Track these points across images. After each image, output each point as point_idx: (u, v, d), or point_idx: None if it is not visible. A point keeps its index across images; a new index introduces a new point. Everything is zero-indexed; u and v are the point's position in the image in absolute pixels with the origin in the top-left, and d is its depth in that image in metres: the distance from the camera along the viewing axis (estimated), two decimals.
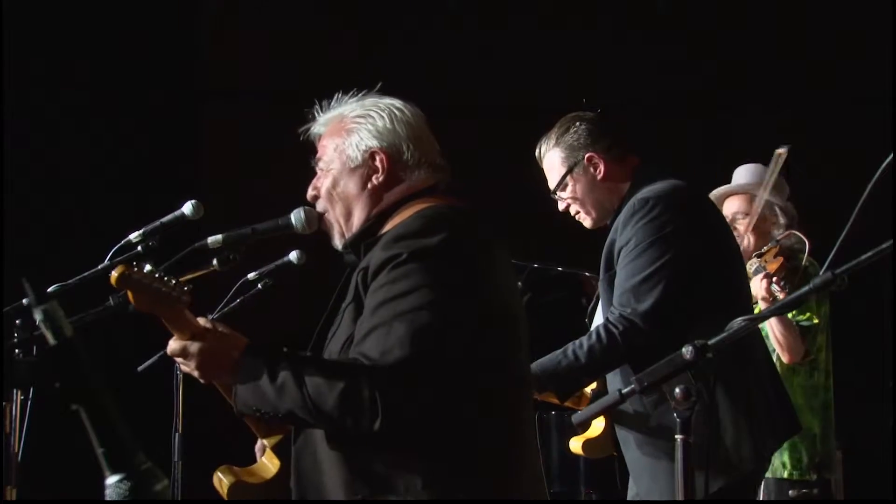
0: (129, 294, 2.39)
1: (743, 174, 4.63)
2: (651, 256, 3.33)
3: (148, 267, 2.40)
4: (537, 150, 3.70)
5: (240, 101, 6.66)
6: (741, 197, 4.55)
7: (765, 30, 6.83)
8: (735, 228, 4.39)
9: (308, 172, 2.70)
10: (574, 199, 3.61)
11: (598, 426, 3.58)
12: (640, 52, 6.78)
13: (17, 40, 5.84)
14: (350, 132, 2.58)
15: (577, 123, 3.63)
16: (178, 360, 2.45)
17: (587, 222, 3.65)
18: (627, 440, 3.47)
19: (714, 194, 4.53)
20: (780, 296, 4.10)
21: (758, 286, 4.13)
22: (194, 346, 2.41)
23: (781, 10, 6.76)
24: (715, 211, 3.72)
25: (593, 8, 6.79)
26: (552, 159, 3.64)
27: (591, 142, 3.59)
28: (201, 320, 2.46)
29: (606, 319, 3.36)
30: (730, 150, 4.97)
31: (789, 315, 4.37)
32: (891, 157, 2.61)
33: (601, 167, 3.57)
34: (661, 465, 3.33)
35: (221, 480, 2.75)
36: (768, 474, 4.31)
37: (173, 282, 2.39)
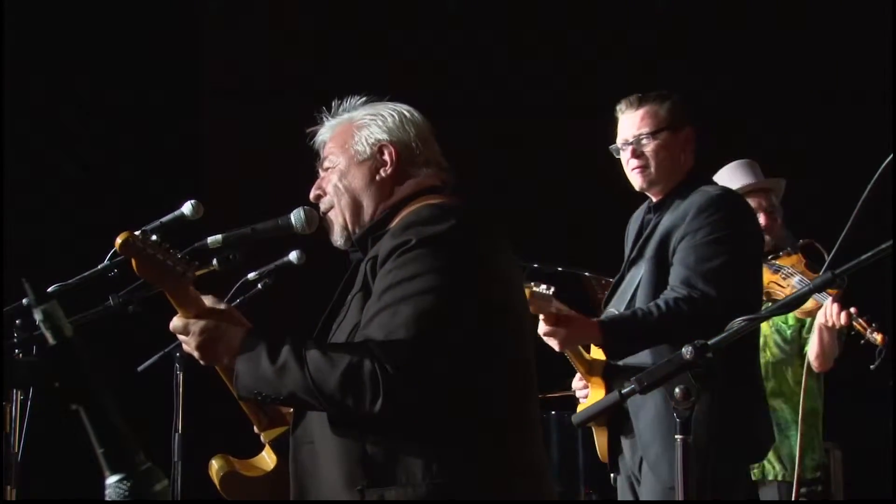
0: (133, 262, 2.37)
1: (744, 171, 4.66)
2: (723, 249, 3.45)
3: (154, 237, 2.39)
4: (631, 100, 3.72)
5: (240, 101, 6.66)
6: (762, 193, 4.63)
7: (764, 29, 6.83)
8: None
9: (308, 172, 2.70)
10: (656, 153, 3.65)
11: (598, 395, 3.61)
12: (640, 52, 6.78)
13: (18, 40, 5.84)
14: (360, 128, 2.60)
15: (680, 98, 3.74)
16: (181, 337, 2.45)
17: (641, 180, 3.68)
18: (642, 406, 3.47)
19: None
20: (859, 325, 4.17)
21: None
22: (197, 325, 2.41)
23: (781, 9, 6.76)
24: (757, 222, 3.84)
25: (593, 8, 6.79)
26: (656, 110, 3.68)
27: (691, 119, 3.72)
28: (207, 300, 2.47)
29: (675, 296, 3.41)
30: (730, 150, 4.96)
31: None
32: (891, 157, 2.61)
33: (691, 145, 3.70)
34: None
35: (215, 469, 2.74)
36: (787, 478, 4.40)
37: (179, 255, 2.38)
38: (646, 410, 3.45)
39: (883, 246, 2.21)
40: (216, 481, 2.73)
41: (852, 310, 4.06)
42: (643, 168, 3.67)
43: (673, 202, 3.61)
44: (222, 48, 6.63)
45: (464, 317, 2.34)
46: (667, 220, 3.58)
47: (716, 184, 3.72)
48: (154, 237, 2.39)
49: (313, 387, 2.30)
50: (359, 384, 2.26)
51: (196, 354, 2.44)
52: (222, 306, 2.48)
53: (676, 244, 3.50)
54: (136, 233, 2.40)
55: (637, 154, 3.67)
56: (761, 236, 3.74)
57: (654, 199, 3.70)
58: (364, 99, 2.66)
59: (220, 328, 2.41)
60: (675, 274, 3.46)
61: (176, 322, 2.44)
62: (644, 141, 3.66)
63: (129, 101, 6.16)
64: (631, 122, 3.71)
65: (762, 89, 6.83)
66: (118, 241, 2.36)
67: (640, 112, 3.69)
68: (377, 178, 2.57)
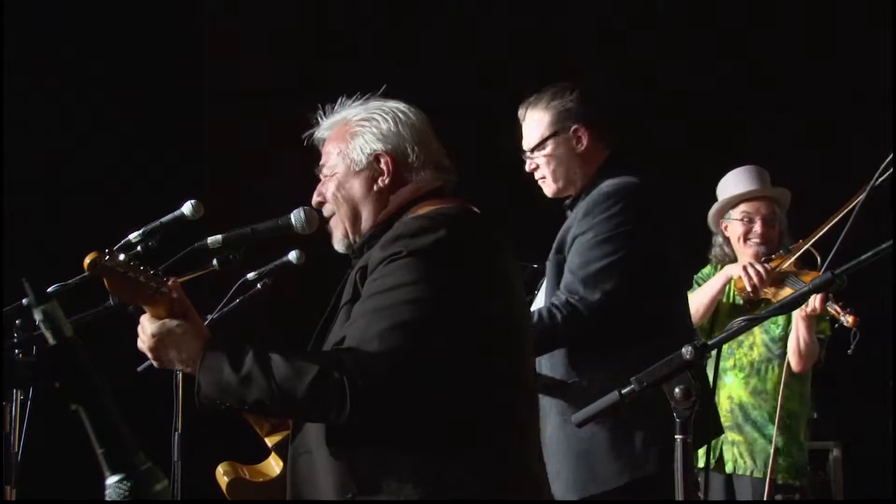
0: (105, 282, 2.34)
1: (748, 177, 4.67)
2: (607, 250, 3.37)
3: (122, 256, 2.35)
4: (523, 107, 3.70)
5: (240, 101, 6.66)
6: (764, 201, 4.63)
7: (764, 30, 6.83)
8: (753, 230, 4.58)
9: (308, 172, 2.70)
10: (547, 163, 3.62)
11: None
12: (639, 51, 6.78)
13: (18, 40, 5.84)
14: (354, 135, 2.57)
15: (571, 93, 3.64)
16: (140, 334, 2.41)
17: (549, 190, 3.67)
18: (545, 418, 3.41)
19: (730, 198, 4.60)
20: (833, 310, 4.18)
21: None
22: (152, 326, 2.37)
23: (782, 9, 6.76)
24: (670, 213, 3.68)
25: (593, 7, 6.79)
26: (539, 118, 3.64)
27: (580, 115, 3.61)
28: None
29: (552, 303, 3.38)
30: (729, 151, 4.97)
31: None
32: (891, 157, 2.61)
33: (584, 142, 3.60)
34: (571, 449, 3.37)
35: (222, 475, 2.75)
36: (755, 474, 4.42)
37: (150, 272, 2.34)
38: (549, 425, 3.42)
39: (883, 246, 2.21)
40: (223, 487, 2.74)
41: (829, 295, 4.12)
42: (543, 179, 3.65)
43: (580, 202, 3.56)
44: (222, 48, 6.63)
45: (445, 330, 2.32)
46: (568, 221, 3.55)
47: (621, 177, 3.52)
48: (122, 256, 2.35)
49: (279, 396, 2.28)
50: (325, 394, 2.25)
51: (149, 356, 2.42)
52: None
53: (569, 247, 3.46)
54: (105, 252, 2.34)
55: (533, 167, 3.66)
56: (662, 227, 3.53)
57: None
58: (359, 94, 2.63)
59: (174, 335, 2.36)
60: (563, 279, 3.43)
61: (142, 318, 2.41)
62: (534, 154, 3.64)
63: (130, 101, 6.15)
64: (523, 134, 3.69)
65: (762, 89, 6.83)
66: (86, 262, 2.32)
67: (527, 123, 3.68)
68: (375, 187, 2.55)
